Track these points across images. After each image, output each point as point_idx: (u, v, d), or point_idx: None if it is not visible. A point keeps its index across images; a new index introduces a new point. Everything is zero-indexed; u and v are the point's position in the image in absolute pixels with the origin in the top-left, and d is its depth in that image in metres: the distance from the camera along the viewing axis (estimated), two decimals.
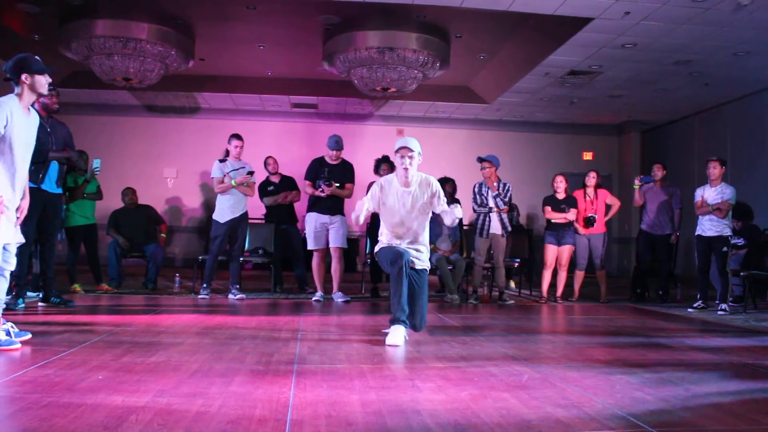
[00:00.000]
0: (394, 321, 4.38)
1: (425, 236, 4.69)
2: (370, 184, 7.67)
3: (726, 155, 10.61)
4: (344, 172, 7.18)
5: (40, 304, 6.00)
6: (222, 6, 8.40)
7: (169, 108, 12.96)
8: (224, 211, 7.16)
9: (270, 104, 12.70)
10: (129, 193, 8.42)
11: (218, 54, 10.31)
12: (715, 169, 7.05)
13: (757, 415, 2.68)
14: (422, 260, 4.65)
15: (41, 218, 5.74)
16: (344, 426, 2.38)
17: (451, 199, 8.63)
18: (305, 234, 7.29)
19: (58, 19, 8.57)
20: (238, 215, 7.21)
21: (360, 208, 4.51)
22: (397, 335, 4.30)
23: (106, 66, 8.80)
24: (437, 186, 4.65)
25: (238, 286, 7.28)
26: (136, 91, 11.12)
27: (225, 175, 7.16)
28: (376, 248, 4.65)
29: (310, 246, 7.16)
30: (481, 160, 7.49)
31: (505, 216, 7.41)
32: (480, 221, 7.39)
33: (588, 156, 13.86)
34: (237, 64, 10.93)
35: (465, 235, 8.18)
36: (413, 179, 4.60)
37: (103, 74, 9.05)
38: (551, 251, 7.73)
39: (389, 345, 4.22)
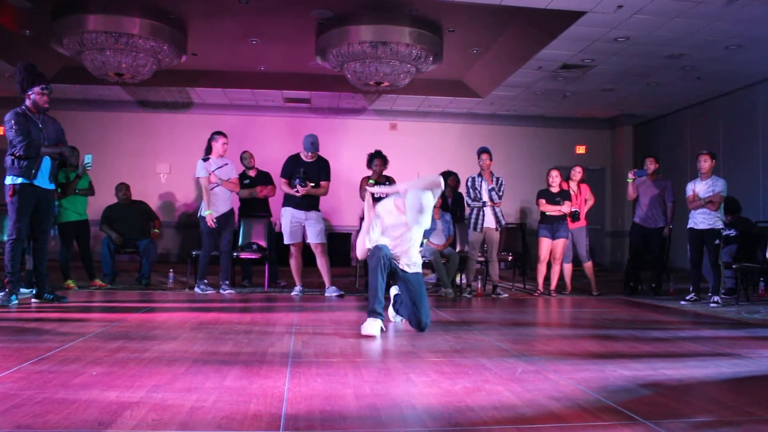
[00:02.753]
0: (371, 313, 4.46)
1: (416, 248, 4.78)
2: (363, 179, 7.73)
3: (718, 149, 10.67)
4: (320, 170, 7.18)
5: (33, 300, 5.98)
6: (214, 1, 8.37)
7: (161, 103, 12.91)
8: (213, 207, 7.17)
9: (263, 99, 12.67)
10: (123, 188, 8.39)
11: (211, 49, 10.27)
12: (705, 163, 7.08)
13: (750, 406, 2.70)
14: (416, 264, 4.77)
15: (34, 214, 5.73)
16: (339, 420, 2.39)
17: (453, 193, 8.65)
18: (279, 228, 7.31)
19: (50, 14, 8.52)
20: (225, 211, 7.23)
21: (361, 245, 4.72)
22: (373, 326, 4.39)
23: (98, 61, 8.76)
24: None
25: (228, 282, 7.29)
26: (129, 86, 11.07)
27: (210, 174, 7.15)
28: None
29: (286, 240, 7.18)
30: (483, 150, 7.49)
31: (499, 210, 7.43)
32: (474, 215, 7.40)
33: (581, 150, 13.89)
34: (230, 59, 10.90)
35: (458, 230, 8.19)
36: None
37: (95, 69, 9.01)
38: (545, 245, 7.75)
39: (365, 335, 4.30)
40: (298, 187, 6.95)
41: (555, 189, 7.82)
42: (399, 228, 4.63)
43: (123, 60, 8.73)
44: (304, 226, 7.15)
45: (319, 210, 7.26)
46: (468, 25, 9.00)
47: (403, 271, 4.70)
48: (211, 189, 7.17)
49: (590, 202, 8.18)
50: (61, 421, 2.29)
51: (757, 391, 3.06)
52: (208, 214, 7.12)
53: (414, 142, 13.28)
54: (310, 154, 7.14)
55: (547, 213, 7.78)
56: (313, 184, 7.06)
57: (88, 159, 6.82)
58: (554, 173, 7.89)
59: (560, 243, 7.74)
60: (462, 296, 7.38)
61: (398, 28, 8.59)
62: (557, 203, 7.73)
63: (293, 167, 7.11)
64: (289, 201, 7.16)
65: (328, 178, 7.24)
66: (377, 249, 4.50)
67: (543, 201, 7.80)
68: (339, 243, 12.02)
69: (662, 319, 5.74)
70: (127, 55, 8.68)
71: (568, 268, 7.97)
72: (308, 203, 7.13)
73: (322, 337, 4.30)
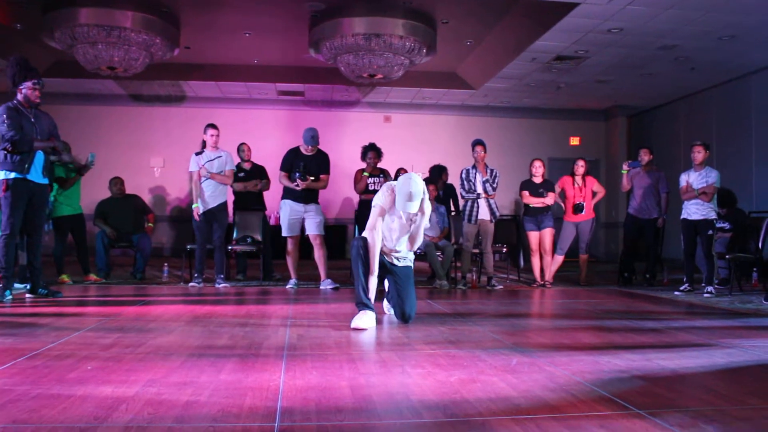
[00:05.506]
0: (358, 305, 4.49)
1: (405, 241, 4.79)
2: (358, 172, 7.72)
3: (711, 139, 10.68)
4: (319, 164, 7.18)
5: (27, 295, 5.97)
6: None
7: (154, 97, 12.86)
8: (200, 201, 7.17)
9: (256, 92, 12.64)
10: (117, 182, 8.36)
11: (204, 42, 10.23)
12: (699, 154, 7.09)
13: (744, 396, 2.72)
14: (406, 258, 4.81)
15: (28, 209, 5.70)
16: (334, 413, 2.39)
17: (444, 186, 8.64)
18: (277, 221, 7.31)
19: (41, 8, 8.47)
20: (215, 205, 7.21)
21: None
22: (363, 319, 4.39)
23: (90, 55, 8.72)
24: (427, 209, 4.64)
25: (222, 276, 7.28)
26: (121, 80, 11.02)
27: (201, 168, 7.14)
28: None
29: (284, 233, 7.19)
30: (477, 142, 7.49)
31: (493, 202, 7.44)
32: (468, 207, 7.41)
33: (575, 141, 13.91)
34: (223, 52, 10.85)
35: (453, 221, 8.20)
36: None
37: (88, 63, 8.96)
38: (533, 237, 7.78)
39: (354, 329, 4.30)
40: (298, 181, 6.95)
41: (538, 179, 7.84)
42: (392, 222, 4.64)
43: (115, 53, 8.68)
44: (303, 219, 7.16)
45: (318, 203, 7.27)
46: (461, 16, 8.99)
47: (391, 264, 4.73)
48: (202, 182, 7.16)
49: (600, 194, 8.13)
50: (57, 416, 2.28)
51: (750, 380, 3.08)
52: (195, 207, 7.14)
53: (408, 135, 13.28)
54: (310, 147, 7.13)
55: (531, 205, 7.79)
56: (313, 178, 7.06)
57: (91, 157, 6.84)
58: (537, 164, 7.90)
59: (547, 233, 7.75)
60: (457, 288, 7.39)
61: (391, 20, 8.58)
62: (540, 194, 7.75)
63: (293, 161, 7.10)
64: (288, 193, 7.17)
65: (327, 172, 7.25)
66: (357, 239, 4.56)
67: (526, 193, 7.82)
68: (334, 235, 12.01)
69: (656, 310, 5.77)
70: (120, 48, 8.63)
71: (559, 259, 7.97)
72: (307, 196, 7.13)
73: (317, 330, 4.31)
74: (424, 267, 8.62)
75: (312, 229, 7.15)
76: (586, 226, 7.93)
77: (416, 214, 4.58)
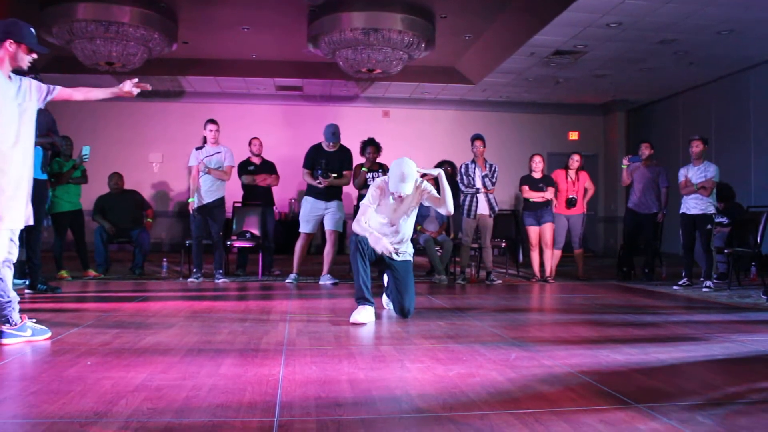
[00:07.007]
0: (358, 300, 4.52)
1: (409, 232, 4.80)
2: (357, 167, 7.73)
3: (710, 134, 10.68)
4: (342, 160, 7.16)
5: (26, 291, 5.96)
6: None
7: (153, 92, 12.80)
8: (197, 196, 7.16)
9: (255, 87, 12.62)
10: (115, 177, 8.35)
11: (202, 37, 10.21)
12: (697, 148, 7.10)
13: (740, 389, 2.73)
14: (406, 252, 4.79)
15: None
16: (334, 407, 2.40)
17: (451, 181, 8.64)
18: (278, 216, 7.29)
19: (39, 3, 8.45)
20: (210, 201, 7.16)
21: (365, 230, 4.58)
22: (363, 313, 4.41)
23: (89, 50, 8.70)
24: (424, 185, 4.68)
25: (221, 271, 7.27)
26: (120, 75, 10.99)
27: (200, 162, 7.13)
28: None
29: (302, 228, 7.19)
30: (476, 137, 7.48)
31: (492, 196, 7.43)
32: (467, 202, 7.40)
33: (574, 136, 13.89)
34: (221, 47, 10.83)
35: (452, 216, 8.20)
36: None
37: (86, 59, 8.95)
38: (533, 232, 7.78)
39: (353, 323, 4.32)
40: (321, 179, 6.94)
41: (537, 175, 7.83)
42: (389, 215, 4.64)
43: (113, 49, 8.66)
44: (322, 216, 7.16)
45: (340, 199, 7.26)
46: (460, 11, 8.98)
47: (390, 258, 4.69)
48: (200, 177, 7.16)
49: (590, 192, 8.14)
50: (57, 411, 2.29)
51: (747, 374, 3.09)
52: (190, 201, 7.16)
53: (407, 130, 13.27)
54: (331, 144, 7.12)
55: (531, 200, 7.79)
56: (335, 175, 7.05)
57: (85, 150, 6.81)
58: (537, 159, 7.89)
59: (547, 227, 7.74)
60: (456, 283, 7.39)
61: (390, 15, 8.56)
62: (540, 189, 7.75)
63: (315, 158, 7.09)
64: (310, 190, 7.17)
65: (350, 168, 7.24)
66: (356, 234, 4.56)
67: (526, 188, 7.81)
68: None
69: (655, 304, 5.78)
70: (118, 43, 8.62)
71: (557, 254, 7.96)
72: (329, 193, 7.13)
73: (316, 325, 4.31)
74: (423, 262, 8.63)
75: (329, 224, 7.14)
76: (577, 220, 7.95)
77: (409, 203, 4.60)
